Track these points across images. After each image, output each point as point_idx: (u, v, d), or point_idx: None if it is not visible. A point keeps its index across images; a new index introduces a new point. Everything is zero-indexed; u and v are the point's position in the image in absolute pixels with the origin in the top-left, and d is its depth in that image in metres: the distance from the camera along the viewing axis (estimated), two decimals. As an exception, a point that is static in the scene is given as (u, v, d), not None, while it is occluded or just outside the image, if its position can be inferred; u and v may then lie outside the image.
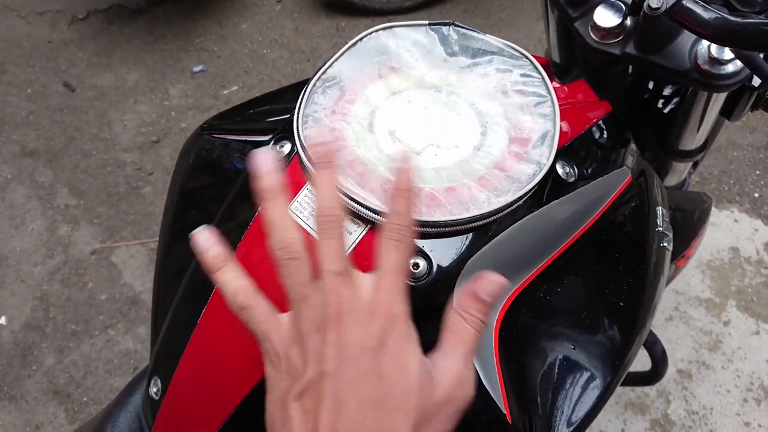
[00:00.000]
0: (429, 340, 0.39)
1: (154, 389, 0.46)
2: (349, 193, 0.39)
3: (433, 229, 0.39)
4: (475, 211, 0.38)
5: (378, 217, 0.39)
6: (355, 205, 0.39)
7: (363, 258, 0.39)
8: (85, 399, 1.37)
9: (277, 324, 0.33)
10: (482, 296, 0.33)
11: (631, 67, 0.68)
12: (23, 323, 1.48)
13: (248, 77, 1.92)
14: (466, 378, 0.33)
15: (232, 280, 0.34)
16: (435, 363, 0.33)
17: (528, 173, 0.41)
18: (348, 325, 0.31)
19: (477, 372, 0.38)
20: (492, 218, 0.39)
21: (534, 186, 0.40)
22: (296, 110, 0.43)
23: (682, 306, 1.39)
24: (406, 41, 0.46)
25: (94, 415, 0.56)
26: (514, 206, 0.40)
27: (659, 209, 0.51)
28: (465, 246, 0.40)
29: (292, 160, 0.43)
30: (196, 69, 1.94)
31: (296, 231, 0.34)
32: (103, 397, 1.37)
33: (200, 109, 1.84)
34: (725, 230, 1.51)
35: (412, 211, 0.34)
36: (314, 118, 0.43)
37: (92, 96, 1.91)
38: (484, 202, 0.39)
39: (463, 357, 0.33)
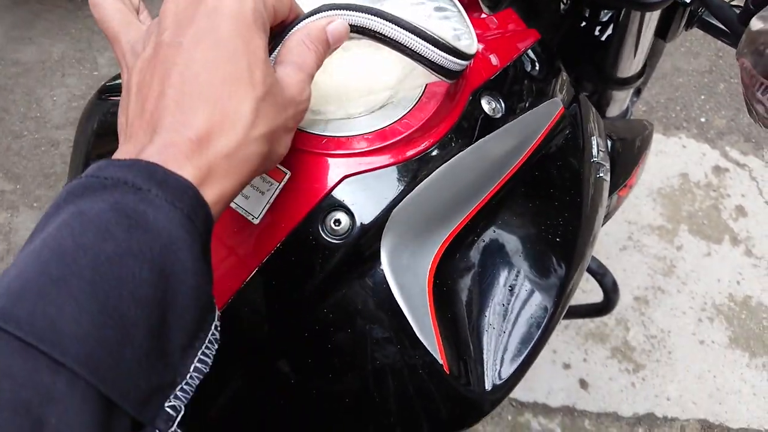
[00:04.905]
0: (356, 297, 0.37)
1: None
2: None
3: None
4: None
5: None
6: None
7: (280, 217, 0.36)
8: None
9: (135, 26, 0.31)
10: (331, 38, 0.32)
11: (563, -7, 0.65)
12: (-30, 318, 1.41)
13: (182, 39, 1.82)
14: (307, 90, 0.31)
15: None
16: (278, 68, 0.31)
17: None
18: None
19: (411, 325, 0.37)
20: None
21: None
22: None
23: (635, 235, 1.42)
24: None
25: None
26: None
27: (594, 139, 0.49)
28: (389, 195, 0.37)
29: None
30: (125, 34, 1.82)
31: None
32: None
33: (134, 78, 1.74)
34: (674, 157, 1.53)
35: None
36: None
37: (16, 73, 1.78)
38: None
39: (304, 74, 0.31)
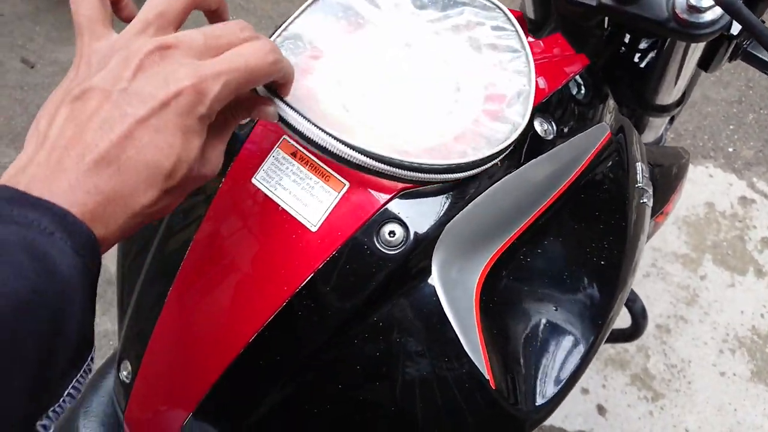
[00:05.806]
0: (406, 308, 0.38)
1: (125, 372, 0.44)
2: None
3: (409, 172, 0.36)
4: (452, 161, 0.36)
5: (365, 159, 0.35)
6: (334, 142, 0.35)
7: (337, 225, 0.37)
8: (65, 382, 1.35)
9: (101, 27, 0.31)
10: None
11: (607, 19, 0.66)
12: (-5, 309, 1.44)
13: (215, 47, 1.85)
14: (220, 162, 0.33)
15: None
16: (209, 134, 0.31)
17: (504, 131, 0.39)
18: (157, 66, 0.29)
19: (459, 339, 0.37)
20: (468, 172, 0.37)
21: (512, 143, 0.38)
22: None
23: (659, 262, 1.41)
24: (373, -5, 0.43)
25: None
26: (491, 163, 0.38)
27: (639, 165, 0.50)
28: (442, 210, 0.38)
29: (254, 126, 0.40)
30: (161, 40, 1.86)
31: None
32: (84, 379, 1.35)
33: (167, 82, 1.77)
34: (700, 185, 1.53)
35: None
36: None
37: (53, 72, 1.83)
38: (461, 155, 0.37)
39: (224, 143, 0.33)
